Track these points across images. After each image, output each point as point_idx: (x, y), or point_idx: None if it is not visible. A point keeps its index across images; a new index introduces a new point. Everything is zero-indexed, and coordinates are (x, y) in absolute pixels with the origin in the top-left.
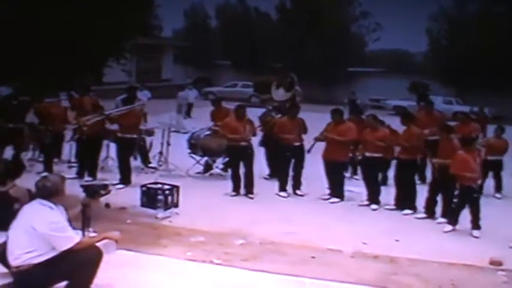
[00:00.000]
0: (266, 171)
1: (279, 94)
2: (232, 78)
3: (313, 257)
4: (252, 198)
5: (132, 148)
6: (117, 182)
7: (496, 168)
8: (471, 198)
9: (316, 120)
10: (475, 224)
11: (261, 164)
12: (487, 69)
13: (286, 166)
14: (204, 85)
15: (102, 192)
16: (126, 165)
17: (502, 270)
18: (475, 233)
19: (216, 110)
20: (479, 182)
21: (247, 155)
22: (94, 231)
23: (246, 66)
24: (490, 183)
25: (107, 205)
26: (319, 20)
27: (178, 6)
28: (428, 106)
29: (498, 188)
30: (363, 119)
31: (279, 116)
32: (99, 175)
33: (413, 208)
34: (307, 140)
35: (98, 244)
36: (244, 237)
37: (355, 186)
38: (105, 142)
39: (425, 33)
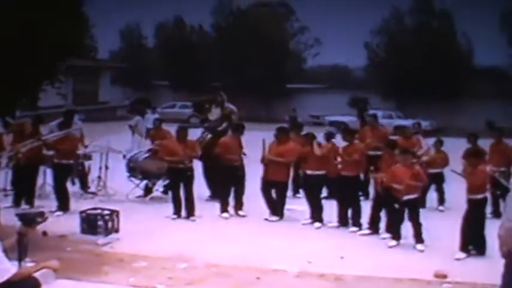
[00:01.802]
0: (207, 192)
1: (214, 113)
2: (171, 98)
3: (258, 278)
4: (193, 220)
5: (69, 174)
6: (55, 209)
7: (438, 181)
8: (396, 209)
9: (256, 138)
10: (418, 238)
11: (202, 186)
12: (426, 82)
13: (227, 187)
14: (143, 106)
15: (39, 220)
16: (64, 191)
17: (448, 282)
18: (419, 246)
19: (156, 131)
20: (410, 196)
21: (187, 177)
22: (32, 261)
23: (185, 86)
24: (433, 196)
25: (44, 233)
26: (256, 37)
27: (114, 26)
28: (373, 121)
29: (441, 200)
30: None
31: (209, 135)
32: (37, 202)
33: (359, 225)
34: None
35: (35, 274)
36: (188, 261)
37: (298, 205)
38: (41, 168)
39: (364, 48)
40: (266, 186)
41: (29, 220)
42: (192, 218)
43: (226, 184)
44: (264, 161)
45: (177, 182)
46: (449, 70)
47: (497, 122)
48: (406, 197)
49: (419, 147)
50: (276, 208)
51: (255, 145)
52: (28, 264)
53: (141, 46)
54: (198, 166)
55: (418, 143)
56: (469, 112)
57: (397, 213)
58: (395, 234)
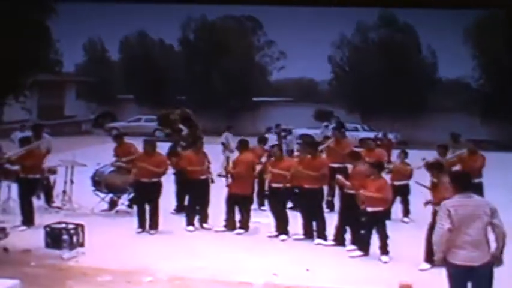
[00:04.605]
0: (174, 206)
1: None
2: (136, 112)
3: None
4: (153, 234)
5: (35, 189)
6: (19, 223)
7: (403, 192)
8: (361, 222)
9: (221, 151)
10: (384, 250)
11: (168, 199)
12: (390, 96)
13: (193, 200)
14: (108, 120)
15: (0, 236)
16: (28, 206)
17: None
18: (384, 258)
19: (119, 146)
20: (375, 208)
21: (153, 192)
22: None
23: (150, 99)
24: (398, 208)
25: (5, 249)
26: (223, 51)
27: (79, 40)
28: (337, 134)
29: (406, 212)
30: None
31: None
32: (1, 217)
33: (324, 237)
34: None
35: None
36: (153, 274)
37: (263, 218)
38: (6, 183)
39: (328, 61)
40: (230, 198)
41: None
42: (152, 231)
43: (192, 197)
44: (226, 172)
45: (143, 197)
46: (413, 83)
47: (462, 135)
48: (370, 209)
49: (383, 159)
50: (240, 221)
51: (220, 158)
52: None
53: (105, 60)
54: (168, 180)
55: (381, 156)
56: (433, 125)
57: (363, 226)
58: (363, 247)
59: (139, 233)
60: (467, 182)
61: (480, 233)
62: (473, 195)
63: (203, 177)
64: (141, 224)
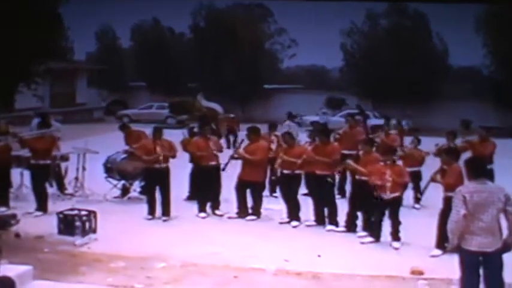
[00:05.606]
0: (186, 192)
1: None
2: (148, 99)
3: (235, 277)
4: (165, 220)
5: (47, 174)
6: (32, 210)
7: (415, 179)
8: (376, 208)
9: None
10: (395, 236)
11: (181, 186)
12: (401, 83)
13: (204, 186)
14: (120, 108)
15: (12, 222)
16: (42, 192)
17: (424, 279)
18: (395, 244)
19: (128, 134)
20: (395, 194)
21: (162, 178)
22: (9, 263)
23: (161, 87)
24: (409, 194)
25: (17, 235)
26: (233, 38)
27: (91, 28)
28: (351, 120)
29: (417, 199)
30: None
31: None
32: (14, 204)
33: (335, 223)
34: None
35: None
36: (165, 260)
37: (275, 204)
38: (18, 170)
39: (340, 48)
40: (241, 186)
41: (2, 222)
42: (164, 218)
43: (204, 184)
44: (234, 155)
45: (153, 183)
46: (423, 70)
47: (474, 121)
48: (391, 195)
49: (397, 145)
50: (252, 208)
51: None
52: (4, 265)
53: (116, 47)
54: (176, 166)
55: (396, 140)
56: (444, 112)
57: (378, 211)
58: (375, 233)
59: (149, 219)
60: (482, 169)
61: (494, 219)
62: (488, 182)
63: (214, 163)
64: (151, 211)
